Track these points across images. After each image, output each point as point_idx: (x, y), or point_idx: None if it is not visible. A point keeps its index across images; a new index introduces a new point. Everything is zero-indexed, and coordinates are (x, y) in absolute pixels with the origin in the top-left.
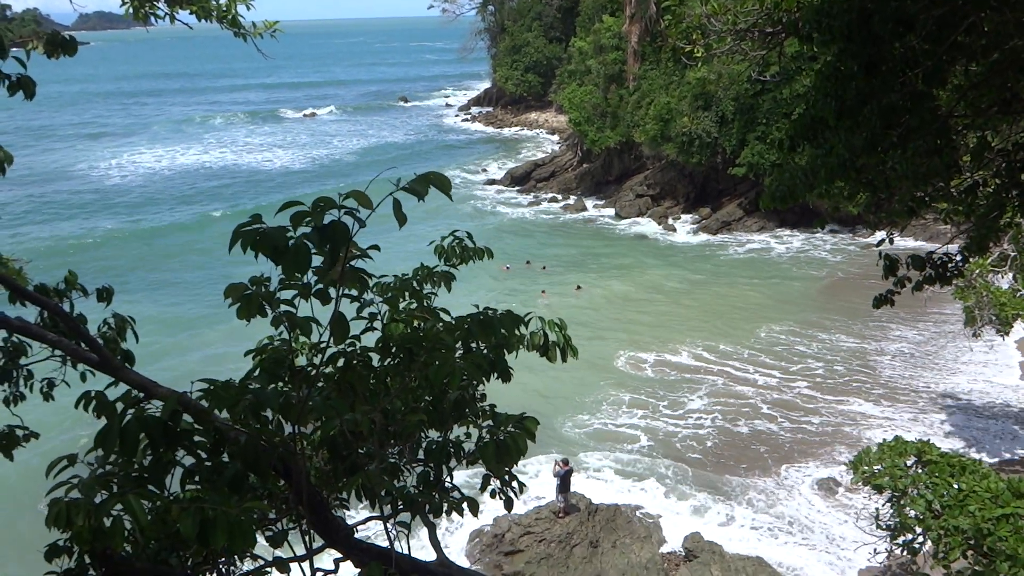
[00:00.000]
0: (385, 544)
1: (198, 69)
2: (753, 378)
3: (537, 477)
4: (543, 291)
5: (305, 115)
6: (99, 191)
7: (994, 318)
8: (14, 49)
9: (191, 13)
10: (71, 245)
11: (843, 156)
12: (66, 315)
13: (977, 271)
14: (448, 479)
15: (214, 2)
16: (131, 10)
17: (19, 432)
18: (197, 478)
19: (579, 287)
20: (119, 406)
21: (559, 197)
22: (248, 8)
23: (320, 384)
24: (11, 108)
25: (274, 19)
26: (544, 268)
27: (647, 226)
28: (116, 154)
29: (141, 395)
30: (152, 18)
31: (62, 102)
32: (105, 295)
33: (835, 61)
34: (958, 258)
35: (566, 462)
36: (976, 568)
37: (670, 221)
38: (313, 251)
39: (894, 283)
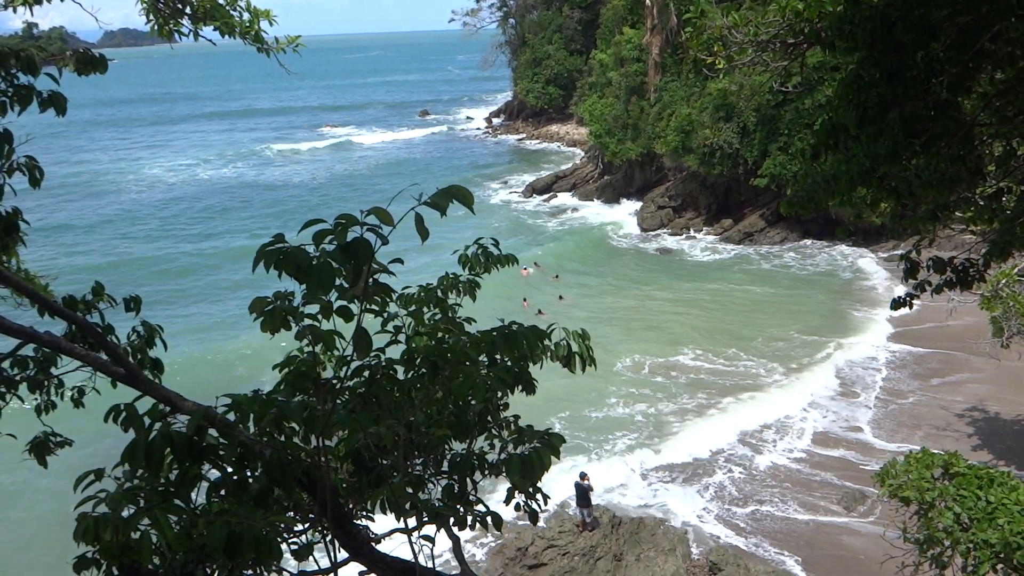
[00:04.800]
0: (409, 557)
1: (220, 89)
2: (762, 382)
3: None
4: (524, 299)
5: (325, 130)
6: (123, 211)
7: (1022, 328)
8: (45, 67)
9: (215, 29)
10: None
11: (864, 164)
12: (94, 329)
13: (1003, 281)
14: (472, 492)
15: (237, 18)
16: (156, 27)
17: (52, 440)
18: (223, 492)
19: (561, 297)
20: (147, 420)
21: (579, 208)
22: (271, 24)
23: (345, 397)
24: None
25: (294, 34)
26: (556, 277)
27: (668, 237)
28: (138, 174)
29: (167, 409)
30: (176, 35)
31: (83, 126)
32: (133, 305)
33: (857, 69)
34: (980, 263)
35: (584, 476)
36: None
37: (691, 232)
38: (337, 268)
39: (914, 286)
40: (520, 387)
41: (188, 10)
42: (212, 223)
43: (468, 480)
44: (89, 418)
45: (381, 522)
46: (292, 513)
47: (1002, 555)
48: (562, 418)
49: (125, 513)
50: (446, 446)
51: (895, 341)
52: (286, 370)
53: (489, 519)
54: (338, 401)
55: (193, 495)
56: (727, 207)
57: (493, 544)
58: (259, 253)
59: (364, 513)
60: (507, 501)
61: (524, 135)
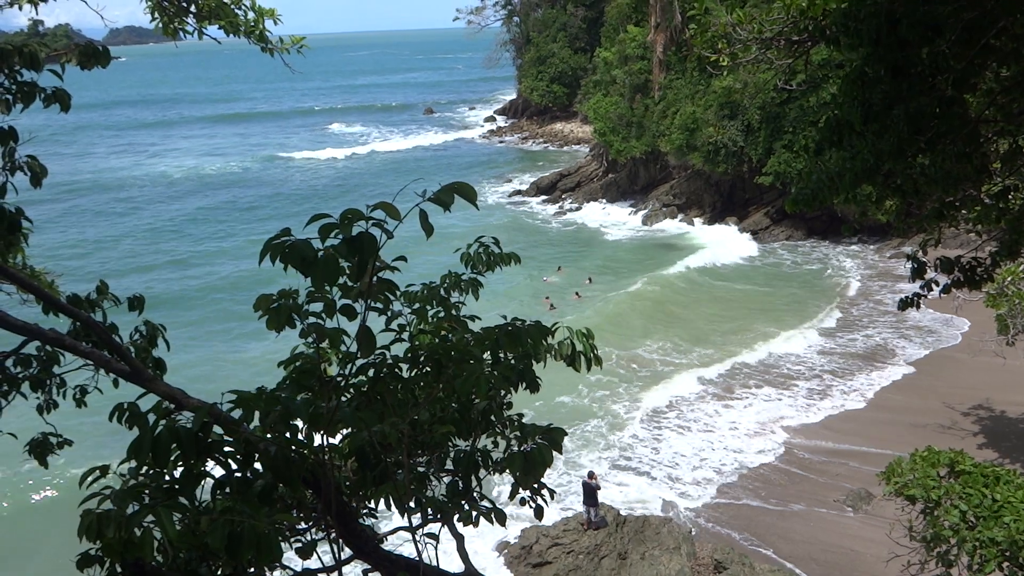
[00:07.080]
0: (412, 554)
1: (224, 90)
2: (747, 377)
3: (565, 487)
4: (547, 297)
5: (330, 130)
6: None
7: None
8: (49, 64)
9: (219, 28)
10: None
11: (869, 161)
12: (98, 327)
13: (1009, 279)
14: (476, 488)
15: (242, 17)
16: (160, 25)
17: (52, 439)
18: (227, 489)
19: (589, 279)
20: (151, 417)
21: (584, 207)
22: (276, 23)
23: (349, 395)
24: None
25: (298, 31)
26: (589, 281)
27: (672, 233)
28: (146, 179)
29: (172, 406)
30: (181, 33)
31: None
32: (137, 304)
33: (862, 65)
34: (988, 262)
35: (591, 476)
36: None
37: (695, 228)
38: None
39: (921, 286)
40: (524, 385)
41: (193, 8)
42: (223, 235)
43: (472, 477)
44: (89, 413)
45: (385, 520)
46: (296, 511)
47: (1008, 553)
48: (536, 407)
49: (129, 510)
50: (450, 443)
51: (877, 335)
52: (291, 367)
53: (493, 515)
54: (343, 399)
55: (198, 493)
56: (731, 205)
57: (497, 542)
58: (265, 246)
59: (368, 511)
60: (511, 496)
61: (528, 133)
